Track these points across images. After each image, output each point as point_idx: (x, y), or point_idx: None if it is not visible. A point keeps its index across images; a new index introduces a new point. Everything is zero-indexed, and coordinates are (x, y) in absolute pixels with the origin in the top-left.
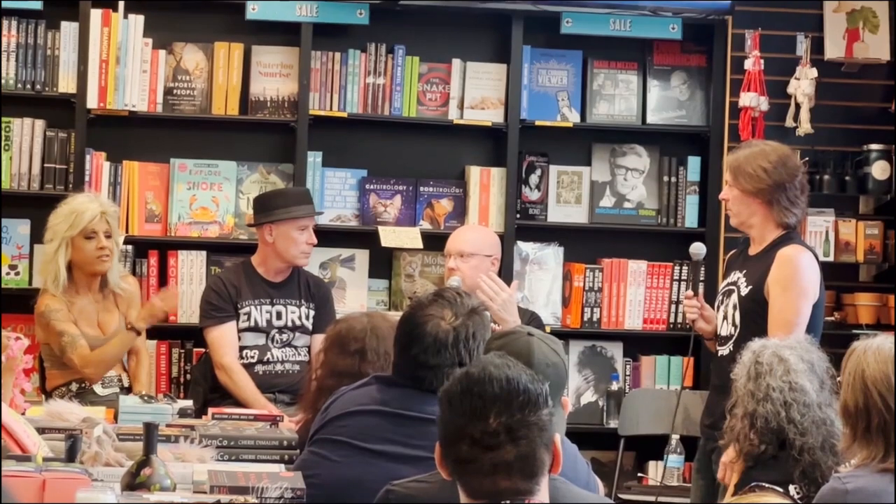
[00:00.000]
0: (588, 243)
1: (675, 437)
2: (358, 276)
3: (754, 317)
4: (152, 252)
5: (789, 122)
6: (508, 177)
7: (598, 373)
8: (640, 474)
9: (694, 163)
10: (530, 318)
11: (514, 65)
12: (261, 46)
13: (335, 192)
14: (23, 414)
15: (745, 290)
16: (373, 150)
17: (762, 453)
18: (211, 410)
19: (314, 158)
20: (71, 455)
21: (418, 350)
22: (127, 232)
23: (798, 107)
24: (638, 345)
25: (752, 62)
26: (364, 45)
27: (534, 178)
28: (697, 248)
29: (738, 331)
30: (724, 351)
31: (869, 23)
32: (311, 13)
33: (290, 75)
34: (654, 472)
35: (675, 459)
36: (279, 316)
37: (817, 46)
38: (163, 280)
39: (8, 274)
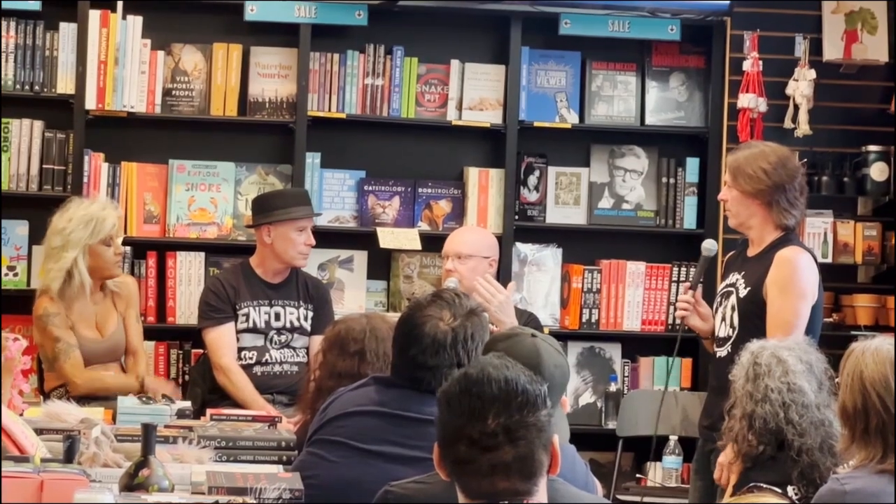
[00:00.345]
0: (586, 244)
1: (673, 439)
2: (356, 278)
3: (753, 318)
4: (151, 253)
5: (788, 124)
6: (507, 178)
7: (596, 374)
8: (638, 475)
9: (692, 164)
10: (528, 319)
11: (513, 66)
12: (259, 47)
13: (333, 194)
14: (21, 415)
15: (743, 292)
16: (371, 151)
17: (760, 454)
18: (209, 411)
19: (313, 159)
20: (69, 456)
21: (417, 351)
22: (125, 233)
23: (796, 108)
24: (636, 346)
25: (751, 63)
26: (362, 46)
27: (532, 180)
28: (710, 245)
29: (736, 332)
30: (722, 352)
31: (867, 24)
32: (310, 14)
33: (288, 76)
34: (653, 473)
35: (673, 460)
36: (278, 317)
37: (816, 48)
38: (161, 281)
39: (6, 275)
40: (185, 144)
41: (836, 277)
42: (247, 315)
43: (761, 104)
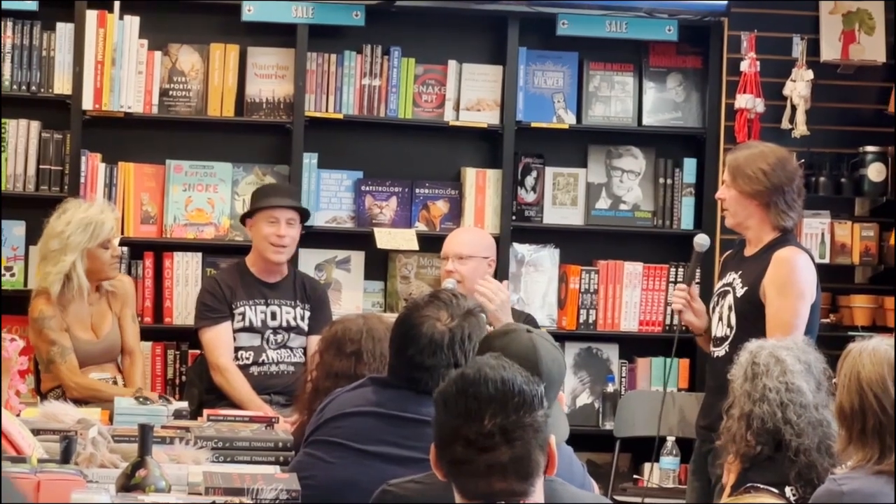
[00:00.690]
0: (584, 245)
1: (670, 440)
2: (353, 278)
3: (750, 318)
4: (148, 254)
5: (785, 124)
6: (504, 178)
7: (593, 374)
8: (635, 476)
9: (690, 165)
10: (525, 319)
11: (510, 66)
12: (256, 48)
13: (331, 194)
14: (18, 415)
15: (740, 292)
16: (368, 151)
17: (758, 454)
18: (206, 412)
19: (310, 160)
20: (66, 456)
21: (414, 351)
22: (122, 233)
23: (794, 109)
24: (633, 346)
25: (748, 64)
26: (360, 46)
27: (529, 180)
28: (702, 240)
29: (733, 332)
30: (719, 352)
31: (865, 24)
32: (307, 14)
33: (285, 77)
34: (650, 473)
35: (670, 461)
36: (274, 316)
37: (813, 48)
38: (158, 282)
39: (3, 275)
40: (182, 145)
41: (834, 278)
42: (243, 314)
43: (759, 105)
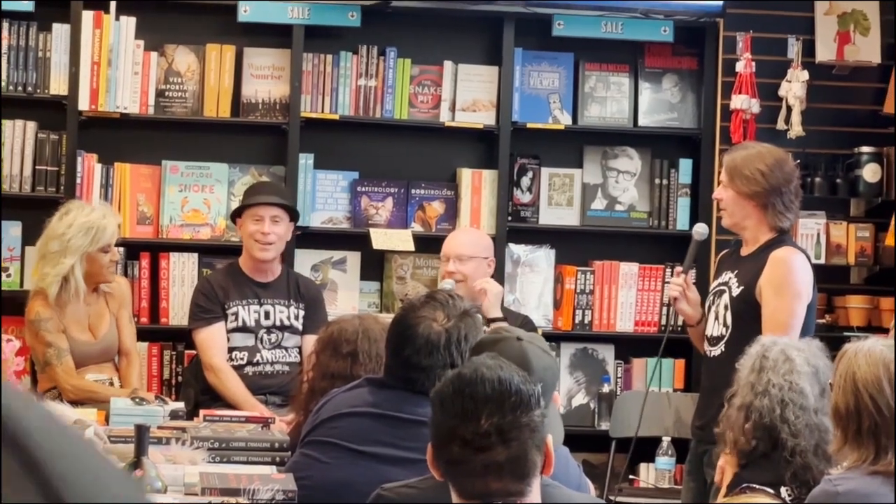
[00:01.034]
0: (579, 245)
1: (666, 440)
2: (349, 279)
3: (746, 318)
4: (144, 254)
5: (780, 125)
6: (500, 179)
7: (589, 375)
8: (631, 476)
9: (685, 165)
10: (523, 321)
11: (506, 67)
12: (252, 48)
13: (327, 195)
14: None
15: (736, 291)
16: (364, 152)
17: (753, 449)
18: (202, 412)
19: (306, 160)
20: None
21: (410, 351)
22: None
23: (789, 109)
24: (629, 347)
25: (744, 65)
26: (356, 47)
27: (525, 181)
28: (701, 228)
29: (729, 332)
30: (715, 352)
31: (860, 25)
32: (303, 15)
33: (281, 77)
34: (646, 474)
35: (666, 461)
36: (267, 316)
37: (808, 49)
38: (154, 282)
39: None
40: (179, 145)
41: (829, 278)
42: (236, 314)
43: (754, 105)
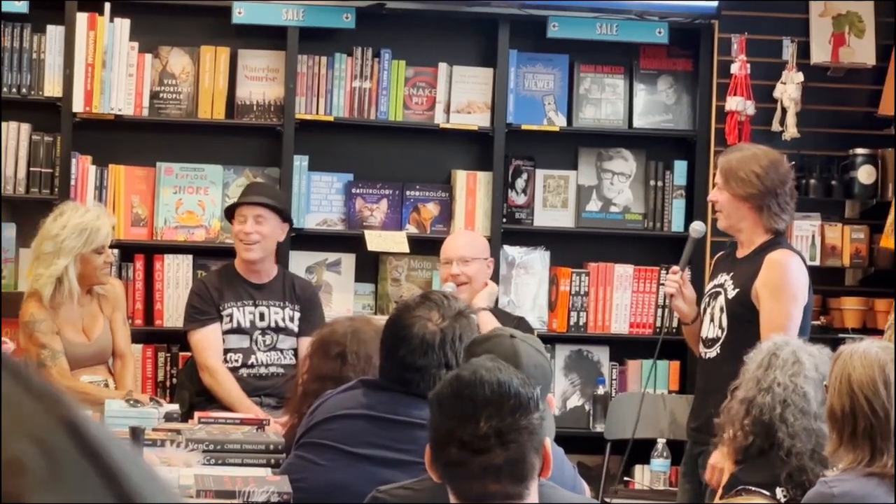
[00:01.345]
0: (574, 247)
1: (661, 442)
2: (344, 281)
3: (741, 320)
4: (138, 256)
5: (775, 127)
6: (495, 181)
7: (584, 377)
8: (626, 478)
9: (680, 167)
10: (518, 322)
11: (501, 69)
12: (247, 50)
13: (321, 196)
14: None
15: (731, 293)
16: (359, 154)
17: (750, 445)
18: (197, 414)
19: (300, 162)
20: None
21: (405, 351)
22: (113, 236)
23: (784, 111)
24: (624, 349)
25: (739, 66)
26: (350, 49)
27: (520, 183)
28: (699, 226)
29: (724, 334)
30: (710, 354)
31: (854, 27)
32: (298, 17)
33: (276, 79)
34: (641, 476)
35: (661, 463)
36: (262, 317)
37: (803, 51)
38: (149, 284)
39: None
40: (173, 147)
41: (824, 280)
42: (231, 315)
43: (749, 107)
